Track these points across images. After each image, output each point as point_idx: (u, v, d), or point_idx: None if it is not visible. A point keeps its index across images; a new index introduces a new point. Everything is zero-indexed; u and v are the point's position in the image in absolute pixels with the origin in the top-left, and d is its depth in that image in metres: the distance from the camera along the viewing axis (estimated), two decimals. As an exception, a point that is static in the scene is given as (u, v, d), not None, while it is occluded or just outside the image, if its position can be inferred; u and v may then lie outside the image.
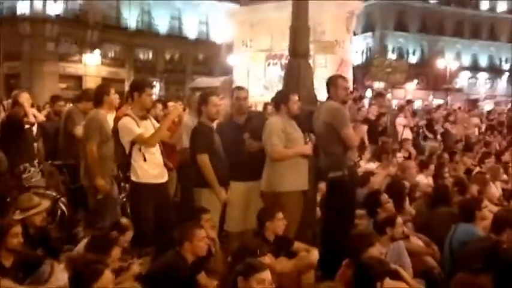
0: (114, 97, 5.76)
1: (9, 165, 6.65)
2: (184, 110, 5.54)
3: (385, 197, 5.29)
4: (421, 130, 12.56)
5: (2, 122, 7.21)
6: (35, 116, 7.33)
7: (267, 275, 3.19)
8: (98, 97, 5.69)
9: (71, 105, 7.31)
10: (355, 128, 5.48)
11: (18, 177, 6.40)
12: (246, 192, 5.40)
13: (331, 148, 5.22)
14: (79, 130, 6.21)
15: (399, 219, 4.68)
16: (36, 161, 6.67)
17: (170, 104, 5.37)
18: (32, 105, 7.95)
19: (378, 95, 14.50)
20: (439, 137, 12.33)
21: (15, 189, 6.22)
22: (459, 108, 16.85)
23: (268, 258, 4.01)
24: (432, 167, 8.13)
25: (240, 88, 5.95)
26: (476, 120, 14.73)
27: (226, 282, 3.33)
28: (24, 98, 7.04)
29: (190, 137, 5.42)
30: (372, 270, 3.43)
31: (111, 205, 5.69)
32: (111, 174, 5.70)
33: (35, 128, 7.17)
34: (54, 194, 6.25)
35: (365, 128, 9.83)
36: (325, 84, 5.50)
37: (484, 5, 48.87)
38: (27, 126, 6.92)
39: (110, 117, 6.53)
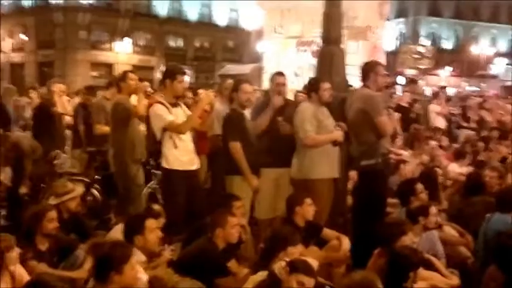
0: (130, 82, 5.90)
1: (42, 151, 6.81)
2: (215, 97, 5.53)
3: (419, 186, 5.19)
4: (454, 118, 12.30)
5: (34, 110, 7.38)
6: (64, 107, 7.48)
7: (310, 281, 3.19)
8: (117, 85, 6.06)
9: (100, 95, 7.41)
10: (389, 116, 5.37)
11: (50, 163, 6.53)
12: (276, 178, 5.39)
13: (365, 136, 5.14)
14: (100, 129, 6.35)
15: (433, 209, 4.60)
16: (66, 148, 6.81)
17: (200, 91, 5.38)
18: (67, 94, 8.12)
19: (411, 82, 14.27)
20: (473, 125, 12.06)
21: (49, 175, 6.36)
22: (495, 95, 16.42)
23: (299, 248, 3.99)
24: (468, 156, 7.95)
25: (279, 74, 5.88)
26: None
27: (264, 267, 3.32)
28: (57, 88, 7.19)
29: (223, 124, 5.43)
30: (405, 260, 3.38)
31: (136, 192, 5.77)
32: (138, 159, 5.79)
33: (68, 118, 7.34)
34: (87, 180, 6.35)
35: (397, 115, 9.68)
36: (360, 70, 5.42)
37: (522, -11, 47.35)
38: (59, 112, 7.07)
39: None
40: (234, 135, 5.18)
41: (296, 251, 3.85)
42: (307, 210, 4.67)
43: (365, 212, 5.11)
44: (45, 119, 6.96)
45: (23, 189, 6.21)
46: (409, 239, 3.91)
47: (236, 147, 5.13)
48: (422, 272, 3.50)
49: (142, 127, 6.15)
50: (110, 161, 6.02)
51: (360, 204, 5.28)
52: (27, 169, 6.35)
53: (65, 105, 7.56)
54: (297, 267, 3.22)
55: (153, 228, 3.95)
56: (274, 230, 4.26)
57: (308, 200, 4.70)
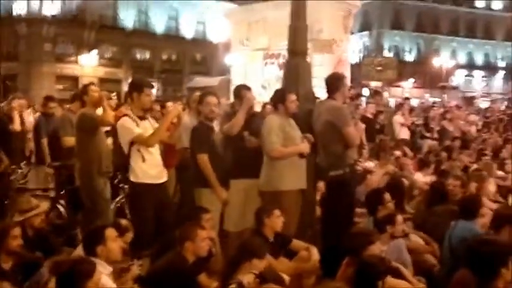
0: (93, 94, 5.86)
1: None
2: (183, 109, 5.52)
3: (387, 195, 5.29)
4: (418, 128, 12.58)
5: None
6: (23, 124, 7.36)
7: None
8: (81, 99, 6.07)
9: (65, 108, 7.31)
10: (356, 127, 5.47)
11: (6, 179, 6.40)
12: (245, 190, 5.39)
13: (332, 147, 5.22)
14: (68, 141, 6.26)
15: (399, 217, 4.69)
16: (23, 163, 6.70)
17: (169, 104, 5.38)
18: (28, 107, 7.99)
19: (375, 93, 14.53)
20: (436, 135, 12.35)
21: (9, 190, 6.23)
22: (456, 105, 16.88)
23: (264, 261, 4.00)
24: (431, 165, 8.14)
25: (247, 88, 5.90)
26: (473, 117, 14.76)
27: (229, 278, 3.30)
28: (17, 104, 7.09)
29: (190, 137, 5.42)
30: (373, 269, 3.43)
31: (103, 206, 5.70)
32: (105, 171, 5.72)
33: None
34: (52, 195, 6.23)
35: (363, 126, 9.84)
36: (325, 82, 5.50)
37: (480, 3, 48.95)
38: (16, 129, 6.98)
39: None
40: (202, 147, 5.19)
41: (261, 264, 3.86)
42: (276, 221, 4.70)
43: (333, 222, 5.17)
44: (1, 135, 6.83)
45: None
46: (377, 248, 3.96)
47: (204, 159, 5.13)
48: (390, 280, 3.55)
49: (109, 140, 6.10)
50: (75, 174, 5.94)
51: (328, 214, 5.35)
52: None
53: (25, 121, 7.46)
54: (267, 278, 3.22)
55: (114, 237, 3.87)
56: (242, 242, 4.25)
57: (276, 212, 4.73)
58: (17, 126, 7.03)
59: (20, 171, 6.56)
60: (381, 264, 3.48)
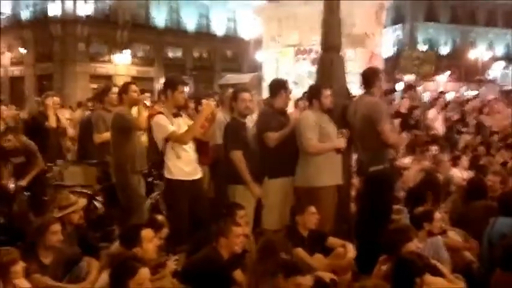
0: (132, 94, 5.90)
1: None
2: (217, 106, 5.54)
3: (429, 194, 5.21)
4: (453, 124, 12.30)
5: (25, 124, 7.40)
6: (59, 121, 7.46)
7: (307, 280, 3.17)
8: (119, 96, 6.07)
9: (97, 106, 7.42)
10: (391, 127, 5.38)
11: (43, 176, 6.55)
12: (283, 188, 5.35)
13: (371, 142, 5.14)
14: (99, 138, 6.36)
15: (437, 214, 4.61)
16: (60, 161, 6.82)
17: (204, 101, 5.39)
18: (63, 107, 8.13)
19: (408, 88, 14.29)
20: (472, 129, 12.07)
21: (45, 187, 6.37)
22: (495, 99, 16.43)
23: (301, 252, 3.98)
24: (465, 159, 7.96)
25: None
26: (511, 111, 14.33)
27: (259, 276, 3.29)
28: (51, 101, 7.21)
29: (223, 133, 5.43)
30: (411, 266, 3.38)
31: (138, 202, 5.77)
32: (139, 170, 5.78)
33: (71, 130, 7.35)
34: (89, 192, 6.34)
35: (397, 121, 9.70)
36: (361, 77, 5.44)
37: (517, -7, 47.61)
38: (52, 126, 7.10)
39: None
40: (235, 144, 5.19)
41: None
42: (309, 219, 4.69)
43: (371, 218, 5.11)
44: (36, 133, 6.97)
45: (22, 182, 6.16)
46: (414, 245, 3.90)
47: (237, 156, 5.13)
48: (428, 277, 3.49)
49: (144, 138, 6.17)
50: (111, 172, 6.03)
51: (366, 210, 5.26)
52: (35, 171, 6.28)
53: (60, 118, 7.59)
54: (290, 270, 3.19)
55: (150, 238, 3.93)
56: (267, 239, 4.24)
57: (310, 209, 4.71)
58: (52, 123, 7.15)
59: (56, 168, 6.66)
60: (419, 261, 3.43)
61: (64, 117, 8.09)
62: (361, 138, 5.28)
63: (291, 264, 3.25)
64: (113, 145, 5.88)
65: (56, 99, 7.40)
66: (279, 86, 5.58)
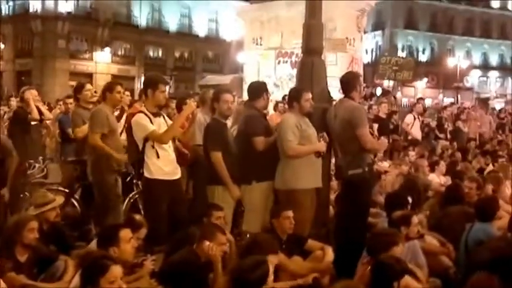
0: (116, 95, 5.83)
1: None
2: (197, 107, 5.53)
3: (409, 199, 5.26)
4: (431, 129, 12.47)
5: (9, 119, 7.28)
6: (42, 114, 7.36)
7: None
8: (102, 94, 5.98)
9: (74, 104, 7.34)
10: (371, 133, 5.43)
11: (23, 173, 6.43)
12: (267, 192, 5.35)
13: (350, 146, 5.17)
14: (78, 133, 6.30)
15: (415, 218, 4.64)
16: (41, 158, 6.72)
17: (188, 101, 5.37)
18: (43, 103, 8.01)
19: (385, 93, 14.49)
20: (449, 135, 12.26)
21: (23, 185, 6.26)
22: (472, 107, 16.74)
23: (278, 257, 3.97)
24: (443, 165, 8.07)
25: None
26: (489, 118, 14.61)
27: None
28: (30, 94, 7.08)
29: (204, 134, 5.42)
30: (389, 269, 3.40)
31: (113, 202, 5.71)
32: (115, 169, 5.73)
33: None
34: (67, 190, 6.26)
35: (375, 126, 9.81)
36: (341, 81, 5.48)
37: (495, 3, 48.52)
38: (33, 123, 6.97)
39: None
40: (215, 144, 5.17)
41: (275, 259, 3.84)
42: (284, 223, 4.69)
43: (349, 221, 5.14)
44: (19, 128, 6.86)
45: (5, 192, 6.09)
46: (400, 250, 3.92)
47: (218, 157, 5.12)
48: (405, 279, 3.51)
49: (123, 136, 6.11)
50: (88, 171, 5.97)
51: (345, 213, 5.29)
52: (11, 170, 6.24)
53: (43, 110, 7.47)
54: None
55: (128, 239, 3.86)
56: (253, 239, 4.23)
57: (285, 213, 4.71)
58: (35, 115, 7.03)
59: (37, 165, 6.55)
60: (397, 264, 3.45)
61: (45, 108, 7.95)
62: (340, 142, 5.30)
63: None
64: (89, 143, 5.81)
65: (34, 92, 7.27)
66: (260, 89, 5.59)
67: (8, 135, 7.05)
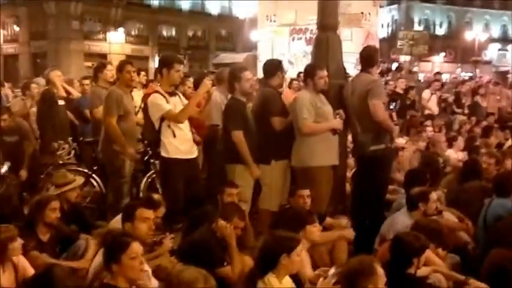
0: (125, 75, 5.83)
1: (45, 142, 6.80)
2: (213, 85, 5.50)
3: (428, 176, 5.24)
4: (448, 104, 12.31)
5: (38, 101, 7.36)
6: (68, 93, 7.46)
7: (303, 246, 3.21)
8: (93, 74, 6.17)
9: (93, 84, 7.38)
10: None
11: (52, 154, 6.52)
12: (285, 170, 5.34)
13: (370, 121, 5.12)
14: (97, 113, 6.34)
15: (433, 195, 4.59)
16: (70, 139, 6.79)
17: (205, 79, 5.33)
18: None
19: (399, 69, 14.32)
20: (466, 110, 12.10)
21: (50, 166, 6.35)
22: (490, 81, 16.44)
23: (318, 226, 3.98)
24: (461, 140, 7.99)
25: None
26: (507, 92, 14.36)
27: (262, 259, 3.29)
28: (55, 75, 7.15)
29: (224, 113, 5.36)
30: (408, 246, 3.38)
31: (117, 183, 5.78)
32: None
33: None
34: (86, 170, 6.34)
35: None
36: (361, 56, 5.42)
37: (515, -26, 47.27)
38: (61, 103, 7.03)
39: (138, 94, 6.64)
40: (237, 123, 5.13)
41: (315, 229, 3.83)
42: (298, 201, 4.71)
43: (368, 197, 5.13)
44: (48, 109, 6.94)
45: (23, 173, 6.21)
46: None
47: (239, 136, 5.08)
48: (427, 254, 3.48)
49: (138, 116, 6.14)
50: (99, 150, 6.05)
51: (364, 190, 5.25)
52: (28, 152, 6.32)
53: (70, 89, 7.58)
54: (292, 245, 3.20)
55: (144, 218, 3.88)
56: (288, 213, 4.23)
57: (300, 192, 4.73)
58: (62, 92, 7.07)
59: (66, 146, 6.62)
60: (417, 241, 3.42)
61: (72, 88, 8.02)
62: (359, 117, 5.24)
63: (291, 239, 3.25)
64: (104, 123, 5.86)
65: (58, 72, 7.36)
66: (274, 67, 5.55)
67: (37, 117, 7.17)
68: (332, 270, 3.04)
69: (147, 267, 3.32)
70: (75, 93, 7.76)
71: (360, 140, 5.26)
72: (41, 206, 4.13)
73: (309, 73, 5.31)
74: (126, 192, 5.87)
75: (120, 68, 5.93)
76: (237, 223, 4.08)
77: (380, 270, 2.85)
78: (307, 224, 3.88)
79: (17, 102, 8.34)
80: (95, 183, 6.24)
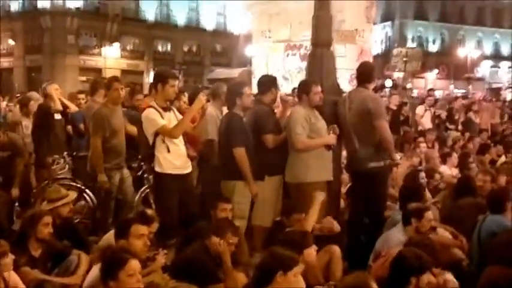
0: (113, 92, 5.81)
1: (40, 156, 6.78)
2: (208, 101, 5.51)
3: (427, 193, 5.21)
4: (441, 121, 12.37)
5: (34, 114, 7.35)
6: (66, 106, 7.44)
7: (300, 268, 3.17)
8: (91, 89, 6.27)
9: (89, 98, 7.37)
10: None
11: (47, 169, 6.49)
12: (278, 185, 5.34)
13: (369, 137, 5.13)
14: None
15: (429, 214, 4.55)
16: (65, 153, 6.77)
17: (200, 94, 5.34)
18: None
19: (396, 86, 14.40)
20: (460, 126, 12.17)
21: (44, 180, 6.31)
22: (484, 98, 16.58)
23: (314, 248, 3.97)
24: (454, 157, 8.01)
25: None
26: (497, 109, 14.48)
27: (258, 275, 3.25)
28: (52, 88, 7.15)
29: (225, 129, 5.30)
30: (407, 264, 3.31)
31: (103, 198, 5.79)
32: (113, 167, 5.76)
33: None
34: (79, 185, 6.30)
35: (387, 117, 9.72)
36: (357, 72, 5.45)
37: (506, -8, 47.90)
38: (57, 117, 7.01)
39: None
40: (239, 140, 5.11)
41: (312, 251, 3.83)
42: (294, 224, 4.64)
43: (366, 214, 5.13)
44: (44, 123, 6.94)
45: (14, 192, 6.16)
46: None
47: (241, 153, 5.06)
48: (427, 277, 3.39)
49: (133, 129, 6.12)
50: (88, 166, 6.03)
51: (361, 206, 5.25)
52: (19, 169, 6.30)
53: (67, 103, 7.56)
54: (289, 265, 3.15)
55: (139, 235, 3.86)
56: (285, 234, 4.20)
57: (297, 216, 4.68)
58: (58, 105, 7.06)
59: (62, 161, 6.59)
60: (417, 260, 3.34)
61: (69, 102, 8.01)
62: (358, 133, 5.24)
63: (289, 258, 3.21)
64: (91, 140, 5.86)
65: (55, 85, 7.38)
66: (269, 83, 5.58)
67: (32, 130, 7.15)
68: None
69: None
70: (73, 107, 7.74)
71: (359, 156, 5.24)
72: (34, 222, 4.09)
73: (304, 89, 5.33)
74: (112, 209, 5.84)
75: (108, 86, 5.93)
76: (230, 238, 4.05)
77: (375, 286, 2.83)
78: (305, 248, 3.84)
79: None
80: (88, 198, 6.20)
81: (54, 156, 6.54)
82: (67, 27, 30.12)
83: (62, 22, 29.97)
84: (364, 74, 5.38)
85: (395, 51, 17.91)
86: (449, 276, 3.87)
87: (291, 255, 3.25)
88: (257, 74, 13.03)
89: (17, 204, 6.14)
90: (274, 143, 5.28)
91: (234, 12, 33.73)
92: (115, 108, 5.85)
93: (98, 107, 5.97)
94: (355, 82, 5.78)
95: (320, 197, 4.77)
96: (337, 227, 4.86)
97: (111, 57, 31.77)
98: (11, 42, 31.63)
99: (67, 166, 6.74)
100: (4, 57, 31.71)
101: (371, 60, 14.27)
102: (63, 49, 30.10)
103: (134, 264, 3.02)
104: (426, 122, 11.34)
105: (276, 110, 5.82)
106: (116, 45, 31.92)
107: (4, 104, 11.25)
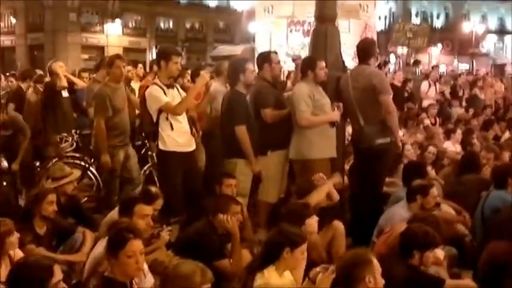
0: (115, 70, 5.77)
1: (48, 134, 6.80)
2: (211, 78, 5.47)
3: (429, 169, 5.20)
4: (445, 97, 12.29)
5: (43, 92, 7.34)
6: (73, 83, 7.42)
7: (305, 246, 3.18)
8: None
9: (92, 77, 7.35)
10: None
11: (56, 147, 6.50)
12: (282, 160, 5.33)
13: (375, 114, 5.11)
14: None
15: (434, 191, 4.55)
16: (73, 131, 6.78)
17: (202, 72, 5.30)
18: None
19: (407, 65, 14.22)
20: (464, 102, 12.10)
21: (54, 158, 6.33)
22: (487, 74, 16.42)
23: (315, 218, 3.99)
24: (459, 133, 7.98)
25: (275, 52, 5.88)
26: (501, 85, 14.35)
27: (265, 251, 3.27)
28: (57, 66, 7.13)
29: (227, 107, 5.25)
30: (413, 238, 3.36)
31: (106, 177, 5.82)
32: (116, 145, 5.75)
33: None
34: (83, 163, 6.32)
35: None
36: (359, 48, 5.40)
37: (512, -35, 47.11)
38: (65, 95, 6.99)
39: (136, 87, 6.62)
40: (240, 118, 5.08)
41: (313, 221, 3.85)
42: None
43: (368, 190, 5.13)
44: (51, 101, 6.94)
45: (15, 166, 6.19)
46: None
47: (243, 130, 5.04)
48: (434, 253, 3.41)
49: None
50: (92, 144, 6.05)
51: (364, 182, 5.25)
52: (22, 146, 6.31)
53: (73, 79, 7.54)
54: (297, 242, 3.16)
55: (143, 215, 3.86)
56: (286, 208, 4.21)
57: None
58: (63, 82, 7.00)
59: (70, 139, 6.60)
60: (423, 236, 3.38)
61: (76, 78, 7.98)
62: (364, 110, 5.19)
63: (297, 235, 3.21)
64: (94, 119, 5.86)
65: (60, 63, 7.35)
66: (261, 60, 5.56)
67: (40, 108, 7.15)
68: (332, 267, 3.01)
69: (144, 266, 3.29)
70: (80, 84, 7.70)
71: (365, 133, 5.19)
72: (38, 200, 4.12)
73: (309, 64, 5.27)
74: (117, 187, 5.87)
75: (109, 63, 5.89)
76: (234, 209, 4.05)
77: (375, 260, 2.85)
78: (306, 218, 3.86)
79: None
80: (91, 175, 6.22)
81: (62, 134, 6.54)
82: (68, 5, 29.83)
83: (63, 0, 29.72)
84: (363, 50, 5.33)
85: (396, 26, 17.55)
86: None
87: (299, 232, 3.27)
88: (260, 50, 12.94)
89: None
90: (273, 118, 5.26)
91: (236, -12, 33.36)
92: (117, 86, 5.82)
93: (99, 86, 5.93)
94: (358, 59, 5.73)
95: (336, 179, 4.74)
96: (337, 195, 4.74)
97: (113, 35, 31.51)
98: (13, 20, 31.40)
99: (75, 144, 6.74)
100: (6, 36, 31.50)
101: (375, 35, 14.15)
102: (65, 27, 29.86)
103: (135, 245, 2.98)
104: (431, 100, 11.26)
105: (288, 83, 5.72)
106: (118, 23, 31.65)
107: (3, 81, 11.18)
